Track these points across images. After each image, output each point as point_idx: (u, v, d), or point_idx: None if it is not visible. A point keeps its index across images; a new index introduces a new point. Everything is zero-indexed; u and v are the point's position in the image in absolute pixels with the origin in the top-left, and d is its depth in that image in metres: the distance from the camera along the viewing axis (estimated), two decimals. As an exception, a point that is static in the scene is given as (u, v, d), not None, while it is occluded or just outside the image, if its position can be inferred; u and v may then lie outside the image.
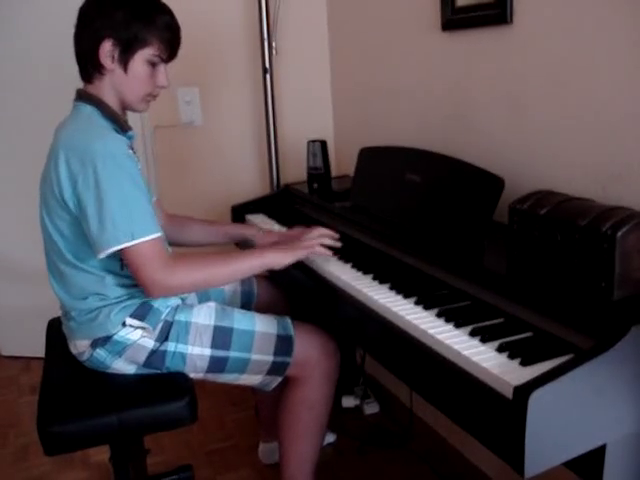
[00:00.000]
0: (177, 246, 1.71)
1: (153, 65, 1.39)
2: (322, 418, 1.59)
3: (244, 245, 1.81)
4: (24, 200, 2.10)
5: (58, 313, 1.54)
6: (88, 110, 1.35)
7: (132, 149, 1.39)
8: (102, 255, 1.28)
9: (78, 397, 1.37)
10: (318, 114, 2.54)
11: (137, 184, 1.29)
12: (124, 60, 1.35)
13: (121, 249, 1.26)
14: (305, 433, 1.57)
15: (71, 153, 1.27)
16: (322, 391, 1.55)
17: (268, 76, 2.27)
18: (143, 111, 1.47)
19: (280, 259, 1.44)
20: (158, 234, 1.30)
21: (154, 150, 2.36)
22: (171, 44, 1.40)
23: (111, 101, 1.38)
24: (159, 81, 1.41)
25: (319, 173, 2.11)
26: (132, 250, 1.27)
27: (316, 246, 1.49)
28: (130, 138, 1.41)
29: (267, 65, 2.26)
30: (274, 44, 2.25)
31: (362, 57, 2.24)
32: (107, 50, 1.33)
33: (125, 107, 1.43)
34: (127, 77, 1.36)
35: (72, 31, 1.37)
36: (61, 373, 1.46)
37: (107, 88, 1.37)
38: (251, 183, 2.51)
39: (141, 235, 1.26)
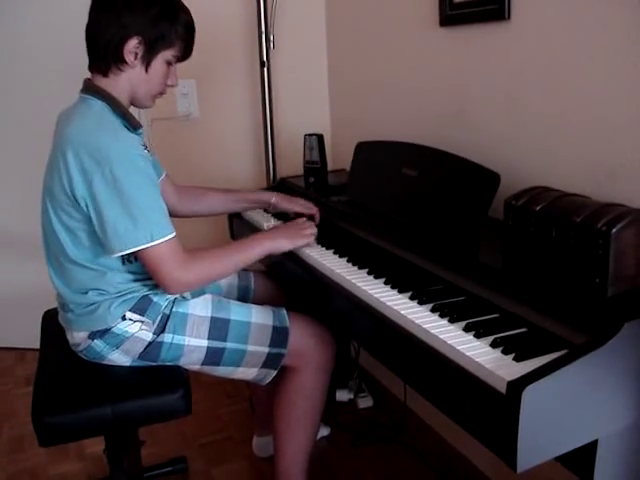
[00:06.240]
0: (192, 217, 1.79)
1: (169, 64, 1.39)
2: (317, 408, 1.59)
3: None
4: (20, 189, 2.10)
5: (54, 304, 1.53)
6: (98, 105, 1.33)
7: (146, 147, 1.39)
8: (117, 255, 1.28)
9: (73, 388, 1.37)
10: (315, 108, 2.53)
11: (153, 183, 1.29)
12: (147, 59, 1.34)
13: (139, 250, 1.27)
14: (300, 423, 1.58)
15: (83, 150, 1.24)
16: (318, 381, 1.56)
17: (265, 70, 2.27)
18: (149, 108, 1.47)
19: (280, 246, 1.51)
20: (174, 234, 1.30)
21: (151, 142, 2.35)
22: (189, 45, 1.41)
23: (122, 96, 1.36)
24: (170, 80, 1.42)
25: (316, 167, 2.11)
26: (150, 251, 1.27)
27: (312, 238, 1.56)
28: (140, 135, 1.40)
29: (264, 59, 2.26)
30: (272, 38, 2.25)
31: (360, 52, 2.24)
32: (132, 47, 1.32)
33: (133, 103, 1.42)
34: (146, 75, 1.36)
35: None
36: (56, 364, 1.46)
37: (122, 83, 1.36)
38: (248, 176, 2.51)
39: (160, 236, 1.26)
